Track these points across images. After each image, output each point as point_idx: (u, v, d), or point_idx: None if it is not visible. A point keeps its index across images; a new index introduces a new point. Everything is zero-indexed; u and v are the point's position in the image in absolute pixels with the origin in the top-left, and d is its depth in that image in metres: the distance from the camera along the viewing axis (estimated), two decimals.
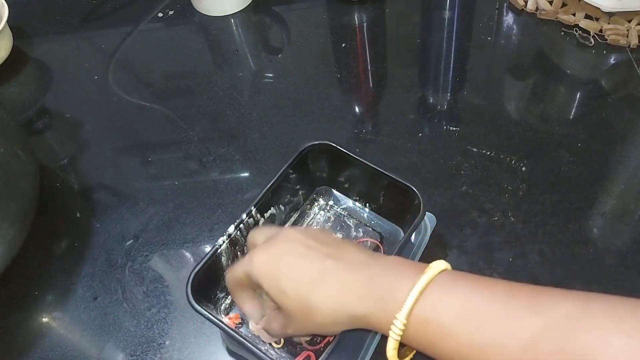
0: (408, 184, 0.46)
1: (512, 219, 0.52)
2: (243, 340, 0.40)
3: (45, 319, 0.51)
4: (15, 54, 0.75)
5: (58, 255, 0.55)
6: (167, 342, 0.48)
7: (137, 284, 0.52)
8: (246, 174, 0.60)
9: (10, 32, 0.74)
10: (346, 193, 0.53)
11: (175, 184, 0.60)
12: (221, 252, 0.46)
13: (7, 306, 0.52)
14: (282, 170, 0.48)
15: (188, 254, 0.54)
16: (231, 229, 0.46)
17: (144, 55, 0.75)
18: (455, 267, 0.49)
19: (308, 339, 0.45)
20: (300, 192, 0.52)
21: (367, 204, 0.52)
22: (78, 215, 0.58)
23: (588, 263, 0.49)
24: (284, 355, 0.45)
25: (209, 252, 0.44)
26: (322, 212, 0.53)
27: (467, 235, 0.52)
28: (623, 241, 0.50)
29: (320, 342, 0.45)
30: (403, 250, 0.46)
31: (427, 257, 0.50)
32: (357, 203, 0.53)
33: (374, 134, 0.62)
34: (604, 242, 0.50)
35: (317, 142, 0.50)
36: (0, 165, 0.49)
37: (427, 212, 0.46)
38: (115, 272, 0.53)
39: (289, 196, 0.51)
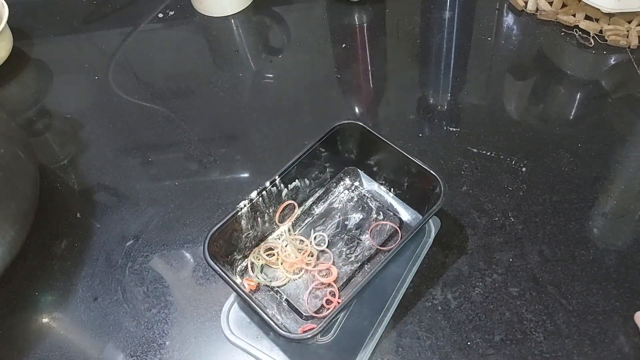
0: (434, 173, 0.47)
1: (512, 220, 0.52)
2: (250, 301, 0.42)
3: (45, 320, 0.51)
4: (16, 54, 0.75)
5: (58, 255, 0.55)
6: (167, 343, 0.48)
7: (137, 284, 0.52)
8: (246, 174, 0.60)
9: (10, 32, 0.74)
10: (373, 176, 0.54)
11: (175, 184, 0.60)
12: (241, 215, 0.48)
13: (7, 307, 0.52)
14: (311, 145, 0.50)
15: (188, 255, 0.54)
16: (253, 194, 0.48)
17: (144, 55, 0.75)
18: (456, 267, 0.50)
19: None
20: (328, 170, 0.54)
21: (392, 189, 0.53)
22: (78, 215, 0.58)
23: (588, 263, 0.49)
24: (289, 322, 0.46)
25: (229, 213, 0.47)
26: (346, 192, 0.54)
27: (467, 236, 0.52)
28: (623, 241, 0.50)
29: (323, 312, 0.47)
30: (415, 237, 0.48)
31: (428, 257, 0.50)
32: (382, 187, 0.54)
33: None
34: (604, 242, 0.50)
35: (347, 121, 0.51)
36: (0, 166, 0.50)
37: (433, 216, 0.46)
38: (115, 273, 0.53)
39: (316, 172, 0.53)
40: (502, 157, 0.57)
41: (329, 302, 0.47)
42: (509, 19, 0.72)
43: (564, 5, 0.70)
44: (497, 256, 0.50)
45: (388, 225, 0.52)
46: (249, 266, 0.50)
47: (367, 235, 0.51)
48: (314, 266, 0.49)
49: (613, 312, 0.46)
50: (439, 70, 0.68)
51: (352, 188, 0.55)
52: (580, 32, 0.67)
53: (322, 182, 0.54)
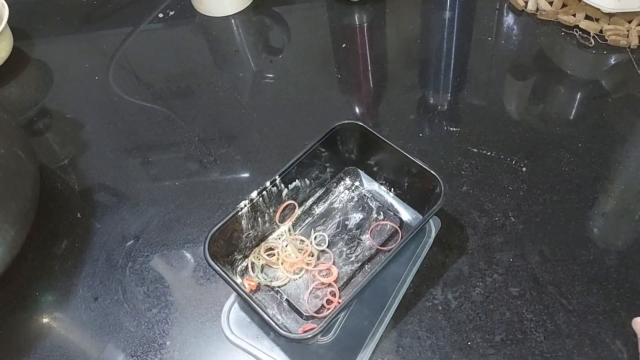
0: (434, 173, 0.47)
1: (513, 219, 0.52)
2: (250, 301, 0.42)
3: (45, 320, 0.51)
4: (16, 54, 0.75)
5: (58, 255, 0.55)
6: (167, 343, 0.48)
7: (137, 284, 0.52)
8: (246, 175, 0.60)
9: (10, 32, 0.74)
10: (373, 176, 0.54)
11: (175, 184, 0.60)
12: (242, 215, 0.48)
13: (7, 307, 0.52)
14: (311, 145, 0.50)
15: (189, 255, 0.54)
16: (254, 194, 0.48)
17: (144, 55, 0.75)
18: (456, 267, 0.50)
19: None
20: (328, 170, 0.54)
21: (392, 189, 0.53)
22: (78, 215, 0.58)
23: (588, 263, 0.49)
24: (289, 322, 0.46)
25: (229, 214, 0.47)
26: (346, 192, 0.54)
27: (467, 236, 0.52)
28: (623, 241, 0.50)
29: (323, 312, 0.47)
30: (416, 237, 0.48)
31: (428, 257, 0.50)
32: (382, 187, 0.54)
33: None
34: (604, 242, 0.50)
35: (347, 121, 0.51)
36: (0, 166, 0.50)
37: (433, 216, 0.46)
38: (115, 273, 0.53)
39: (316, 172, 0.53)
40: (502, 157, 0.57)
41: (329, 302, 0.47)
42: (509, 19, 0.72)
43: (564, 5, 0.70)
44: (497, 256, 0.50)
45: (388, 225, 0.52)
46: (250, 266, 0.50)
47: (368, 235, 0.51)
48: (315, 266, 0.49)
49: (613, 312, 0.46)
50: (439, 70, 0.68)
51: (353, 188, 0.55)
52: (580, 32, 0.67)
53: (322, 182, 0.54)
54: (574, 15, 0.68)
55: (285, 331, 0.40)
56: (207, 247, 0.44)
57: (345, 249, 0.50)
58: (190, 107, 0.67)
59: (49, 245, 0.56)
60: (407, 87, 0.66)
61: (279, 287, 0.49)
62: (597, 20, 0.67)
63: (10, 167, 0.51)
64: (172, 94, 0.69)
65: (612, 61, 0.65)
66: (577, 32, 0.67)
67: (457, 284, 0.49)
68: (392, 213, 0.52)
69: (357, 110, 0.66)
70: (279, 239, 0.51)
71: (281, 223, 0.52)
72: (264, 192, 0.49)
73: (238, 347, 0.47)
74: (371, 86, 0.68)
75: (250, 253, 0.50)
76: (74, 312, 0.51)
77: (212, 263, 0.44)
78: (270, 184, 0.49)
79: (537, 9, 0.70)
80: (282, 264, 0.50)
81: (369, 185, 0.54)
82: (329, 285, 0.48)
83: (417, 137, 0.60)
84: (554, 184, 0.54)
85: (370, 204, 0.53)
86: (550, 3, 0.70)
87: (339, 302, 0.46)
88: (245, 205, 0.48)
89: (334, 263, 0.50)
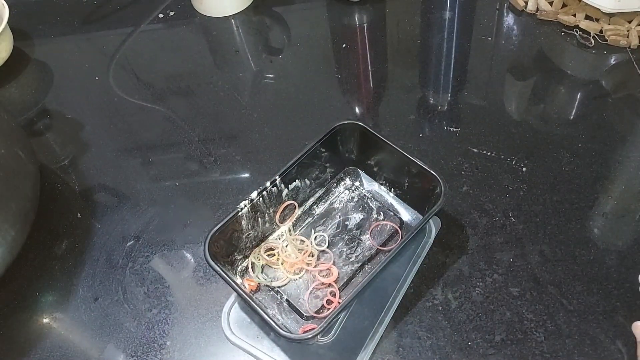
0: (434, 173, 0.47)
1: (513, 220, 0.52)
2: (250, 301, 0.42)
3: (46, 320, 0.51)
4: (16, 55, 0.75)
5: (59, 256, 0.55)
6: (167, 343, 0.48)
7: (137, 284, 0.52)
8: (247, 175, 0.60)
9: (11, 33, 0.74)
10: (373, 176, 0.54)
11: (176, 184, 0.60)
12: (242, 216, 0.48)
13: (7, 307, 0.52)
14: (311, 145, 0.50)
15: (189, 255, 0.54)
16: (254, 194, 0.48)
17: (144, 56, 0.75)
18: (456, 267, 0.50)
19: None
20: (328, 170, 0.54)
21: (392, 189, 0.53)
22: (79, 216, 0.58)
23: (589, 263, 0.49)
24: (289, 322, 0.46)
25: (229, 214, 0.47)
26: (347, 192, 0.54)
27: (467, 236, 0.52)
28: (623, 241, 0.50)
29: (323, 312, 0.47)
30: (416, 238, 0.48)
31: (428, 257, 0.50)
32: (382, 187, 0.54)
33: None
34: (605, 242, 0.50)
35: (347, 121, 0.51)
36: (0, 166, 0.50)
37: (433, 216, 0.46)
38: (116, 273, 0.53)
39: (317, 172, 0.53)
40: (502, 157, 0.57)
41: (329, 302, 0.47)
42: (509, 19, 0.72)
43: (564, 5, 0.70)
44: (497, 256, 0.50)
45: (388, 226, 0.52)
46: (250, 266, 0.50)
47: (368, 236, 0.51)
48: (315, 266, 0.49)
49: (613, 312, 0.46)
50: (439, 70, 0.68)
51: (353, 188, 0.55)
52: (580, 32, 0.67)
53: (322, 182, 0.54)
54: (574, 15, 0.68)
55: (285, 331, 0.40)
56: (207, 248, 0.44)
57: (345, 249, 0.51)
58: (190, 107, 0.67)
59: (49, 245, 0.56)
60: (407, 87, 0.66)
61: (279, 287, 0.49)
62: (597, 20, 0.67)
63: (11, 167, 0.51)
64: (172, 94, 0.69)
65: (612, 61, 0.65)
66: (577, 32, 0.67)
67: (457, 284, 0.49)
68: (392, 213, 0.52)
69: (357, 110, 0.66)
70: (279, 239, 0.51)
71: (281, 223, 0.52)
72: (264, 193, 0.49)
73: (238, 347, 0.47)
74: (371, 86, 0.68)
75: (250, 253, 0.50)
76: (74, 312, 0.51)
77: (212, 263, 0.44)
78: (270, 184, 0.49)
79: (537, 9, 0.70)
80: (282, 264, 0.50)
81: (369, 185, 0.54)
82: (329, 285, 0.48)
83: (417, 137, 0.60)
84: (554, 184, 0.54)
85: (371, 204, 0.53)
86: (550, 3, 0.70)
87: (339, 302, 0.46)
88: (245, 206, 0.48)
89: (334, 263, 0.50)
